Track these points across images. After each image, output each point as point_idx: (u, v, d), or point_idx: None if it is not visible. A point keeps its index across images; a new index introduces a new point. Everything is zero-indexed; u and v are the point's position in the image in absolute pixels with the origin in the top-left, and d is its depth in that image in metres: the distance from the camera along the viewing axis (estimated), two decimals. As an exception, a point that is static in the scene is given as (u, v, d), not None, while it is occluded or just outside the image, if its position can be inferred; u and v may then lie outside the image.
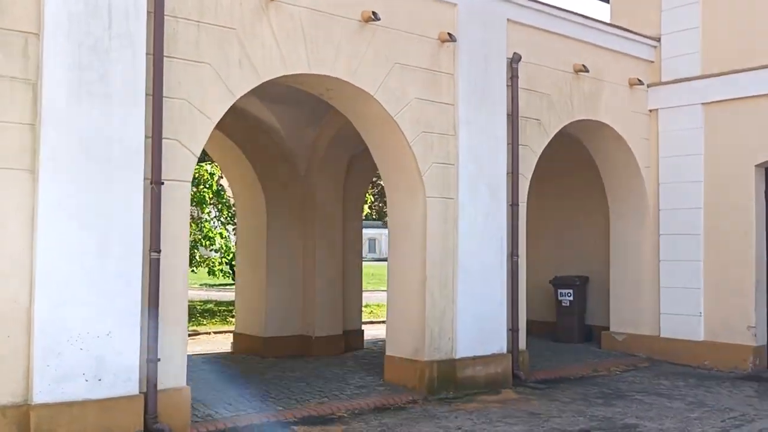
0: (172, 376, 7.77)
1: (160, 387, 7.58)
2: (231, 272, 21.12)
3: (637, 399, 10.14)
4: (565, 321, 14.81)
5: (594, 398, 10.14)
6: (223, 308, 21.54)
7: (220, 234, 19.44)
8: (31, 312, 6.92)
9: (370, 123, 10.01)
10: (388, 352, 10.48)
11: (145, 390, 7.50)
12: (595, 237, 15.04)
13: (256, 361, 12.10)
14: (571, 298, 14.74)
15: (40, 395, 6.88)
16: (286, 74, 8.74)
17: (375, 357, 12.87)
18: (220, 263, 20.30)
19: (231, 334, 15.75)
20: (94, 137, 7.22)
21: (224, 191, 19.40)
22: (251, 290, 12.98)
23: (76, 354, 7.07)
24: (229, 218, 20.69)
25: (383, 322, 19.32)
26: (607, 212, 14.12)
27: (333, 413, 8.90)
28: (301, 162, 12.95)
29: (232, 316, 20.03)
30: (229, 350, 13.45)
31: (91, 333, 7.15)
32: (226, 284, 31.03)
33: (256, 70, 8.49)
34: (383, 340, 15.37)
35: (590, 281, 15.02)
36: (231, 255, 19.88)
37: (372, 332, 15.73)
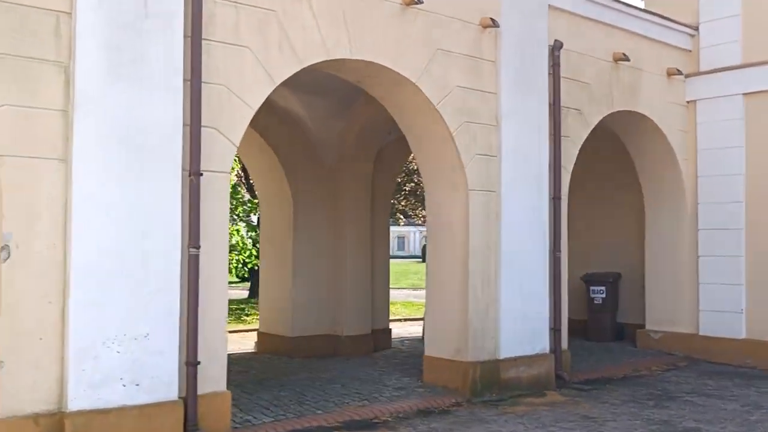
0: (213, 380, 7.30)
1: (200, 392, 7.11)
2: (246, 270, 20.66)
3: (689, 401, 9.67)
4: (598, 319, 14.34)
5: (644, 400, 9.68)
6: (234, 306, 21.04)
7: (237, 231, 18.95)
8: (64, 312, 6.44)
9: (411, 112, 9.52)
10: (427, 353, 10.00)
11: (184, 395, 7.02)
12: (628, 232, 14.58)
13: (284, 362, 11.62)
14: (604, 296, 14.27)
15: (76, 401, 6.39)
16: (327, 59, 8.26)
17: (406, 357, 12.41)
18: (237, 261, 19.81)
19: (246, 333, 15.33)
20: (129, 123, 6.74)
21: (240, 186, 18.92)
22: (276, 288, 12.48)
23: (113, 357, 6.59)
24: (241, 215, 20.20)
25: (400, 320, 19.01)
26: (640, 206, 13.66)
27: (376, 417, 8.43)
28: (328, 154, 12.45)
29: (247, 315, 19.62)
30: (253, 350, 12.96)
31: (128, 334, 6.67)
32: (231, 282, 30.51)
33: (296, 54, 8.00)
34: (408, 339, 15.05)
35: (622, 278, 14.55)
36: (247, 252, 19.41)
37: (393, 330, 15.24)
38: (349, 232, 12.42)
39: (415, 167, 23.40)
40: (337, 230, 12.45)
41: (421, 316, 19.98)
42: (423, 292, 28.42)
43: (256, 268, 20.32)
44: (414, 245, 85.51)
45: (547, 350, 10.24)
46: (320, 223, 12.41)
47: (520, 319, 9.89)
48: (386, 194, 13.68)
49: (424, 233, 68.44)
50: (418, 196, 26.72)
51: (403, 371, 10.88)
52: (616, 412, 8.99)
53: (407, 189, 25.54)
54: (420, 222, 31.20)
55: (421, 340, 14.62)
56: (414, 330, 16.91)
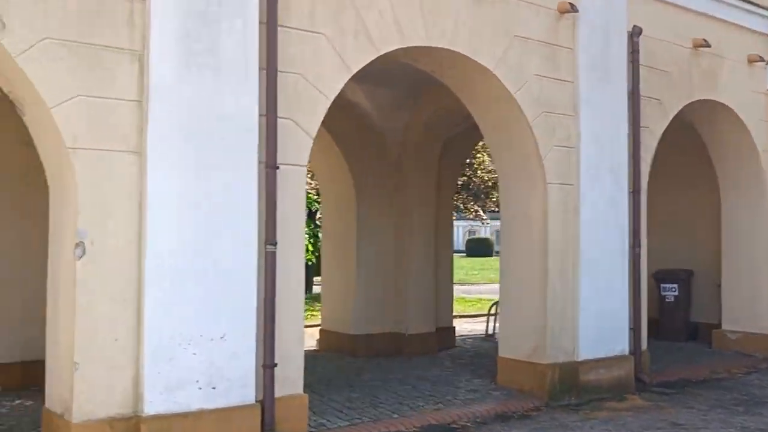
0: (289, 382, 6.99)
1: (277, 394, 6.80)
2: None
3: (781, 406, 9.14)
4: (670, 318, 13.77)
5: (731, 405, 9.14)
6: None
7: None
8: (140, 312, 6.16)
9: (486, 102, 9.09)
10: (501, 353, 9.58)
11: (261, 398, 6.72)
12: (701, 227, 13.94)
13: (348, 361, 11.29)
14: (677, 293, 13.70)
15: (152, 405, 6.12)
16: (403, 47, 7.88)
17: (472, 356, 12.02)
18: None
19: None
20: (204, 114, 6.43)
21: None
22: (339, 284, 12.17)
23: (189, 359, 6.30)
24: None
25: (455, 316, 18.54)
26: (714, 200, 13.04)
27: (454, 421, 8.05)
28: (393, 147, 12.07)
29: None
30: (315, 348, 12.66)
31: (204, 335, 6.38)
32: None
33: (372, 42, 7.63)
34: (470, 337, 14.64)
35: (695, 275, 13.94)
36: (302, 247, 19.09)
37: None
38: (413, 227, 12.05)
39: (468, 160, 22.93)
40: (401, 225, 12.09)
41: (477, 313, 19.62)
42: (473, 288, 28.38)
43: (309, 263, 20.04)
44: (458, 240, 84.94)
45: (627, 351, 9.75)
46: (384, 217, 12.06)
47: (599, 319, 9.42)
48: (450, 188, 13.31)
49: (468, 228, 67.17)
50: (470, 190, 26.26)
51: (472, 372, 10.49)
52: (705, 418, 8.49)
53: (460, 183, 25.05)
54: (471, 216, 30.66)
55: (485, 338, 14.28)
56: (471, 327, 16.50)
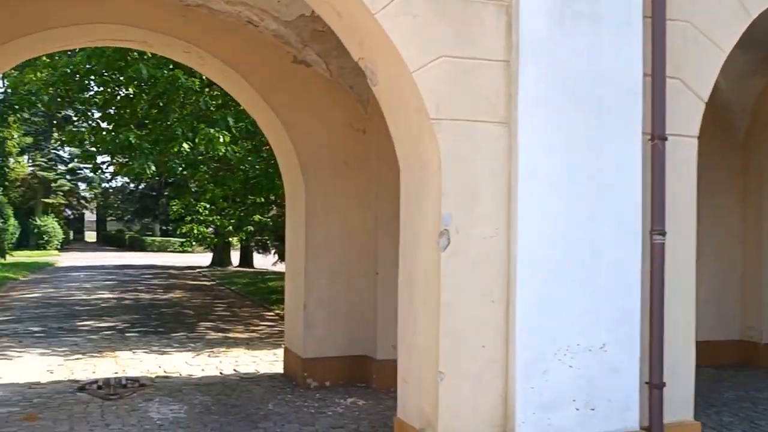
0: (678, 405, 5.68)
1: (665, 420, 5.50)
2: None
3: None
4: None
5: None
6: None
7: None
8: (508, 314, 5.15)
9: None
10: None
11: (647, 425, 5.44)
12: None
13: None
14: None
15: (523, 426, 5.08)
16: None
17: None
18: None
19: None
20: (581, 75, 5.26)
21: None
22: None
23: (565, 373, 5.18)
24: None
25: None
26: None
27: None
28: (740, 122, 10.18)
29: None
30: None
31: (581, 345, 5.22)
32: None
33: (779, -25, 6.05)
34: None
35: None
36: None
37: None
38: (764, 214, 10.09)
39: None
40: (749, 212, 10.18)
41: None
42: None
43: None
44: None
45: None
46: (730, 205, 10.21)
47: None
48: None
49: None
50: None
51: None
52: None
53: None
54: None
55: None
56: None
